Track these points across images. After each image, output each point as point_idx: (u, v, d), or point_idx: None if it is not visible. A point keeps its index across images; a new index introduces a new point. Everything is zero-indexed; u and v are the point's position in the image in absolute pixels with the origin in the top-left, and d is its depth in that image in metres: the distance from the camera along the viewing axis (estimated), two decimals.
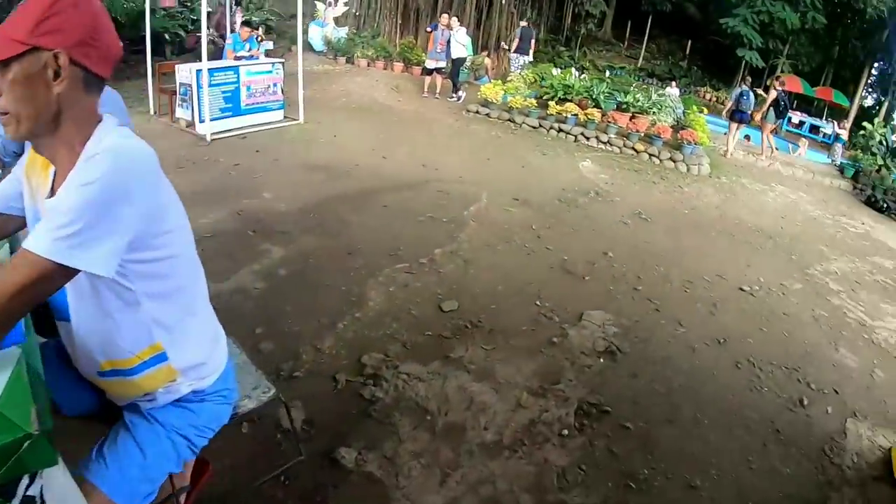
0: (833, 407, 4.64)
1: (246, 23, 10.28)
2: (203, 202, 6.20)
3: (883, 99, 27.15)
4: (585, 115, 11.76)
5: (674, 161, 10.95)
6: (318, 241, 5.71)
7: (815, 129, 21.39)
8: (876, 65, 26.11)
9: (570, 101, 12.60)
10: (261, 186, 6.96)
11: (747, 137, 15.34)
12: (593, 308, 5.22)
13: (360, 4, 18.49)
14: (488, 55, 18.77)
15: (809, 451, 4.03)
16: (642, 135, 11.36)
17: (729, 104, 13.28)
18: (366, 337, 4.27)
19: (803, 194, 12.01)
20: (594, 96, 12.56)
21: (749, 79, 13.56)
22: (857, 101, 24.60)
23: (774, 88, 13.14)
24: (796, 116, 21.71)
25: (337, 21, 16.93)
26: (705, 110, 15.94)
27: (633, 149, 11.20)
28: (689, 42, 27.76)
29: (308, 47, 16.37)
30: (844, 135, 17.19)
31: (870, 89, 28.58)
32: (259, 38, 14.91)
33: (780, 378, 4.82)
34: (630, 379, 4.34)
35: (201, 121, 8.68)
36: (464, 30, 13.93)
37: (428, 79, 13.78)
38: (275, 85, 9.89)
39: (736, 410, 4.25)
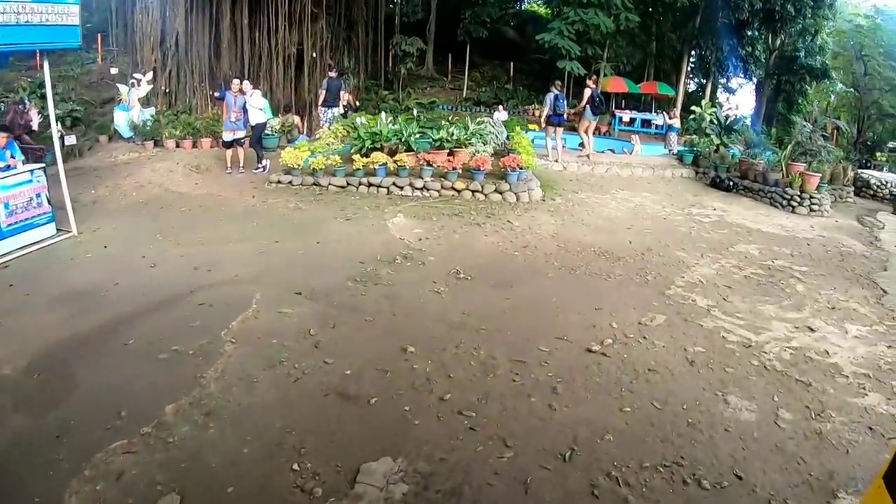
0: None
1: (3, 128, 8.15)
2: None
3: (704, 82, 28.43)
4: (395, 162, 10.33)
5: (500, 193, 9.73)
6: (26, 421, 3.87)
7: (646, 123, 21.62)
8: (693, 52, 27.23)
9: (381, 149, 11.19)
10: None
11: (582, 146, 14.69)
12: (377, 453, 3.51)
13: (169, 80, 16.76)
14: (298, 113, 17.31)
15: None
16: (461, 171, 10.05)
17: (545, 110, 12.59)
18: None
19: (647, 194, 11.23)
20: (403, 139, 11.20)
21: (559, 82, 12.84)
22: (681, 88, 25.45)
23: (588, 87, 12.65)
24: (626, 115, 21.95)
25: (144, 101, 14.86)
26: (535, 127, 15.23)
27: (454, 189, 9.91)
28: (512, 64, 27.85)
29: (118, 135, 14.40)
30: (677, 123, 17.14)
31: (691, 75, 29.88)
32: (60, 134, 12.75)
33: (659, 489, 3.33)
34: None
35: None
36: (258, 92, 12.33)
37: (229, 152, 12.00)
38: (38, 196, 7.88)
39: None
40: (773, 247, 8.58)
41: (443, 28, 26.98)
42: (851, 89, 25.79)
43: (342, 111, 15.48)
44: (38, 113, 13.15)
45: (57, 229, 8.10)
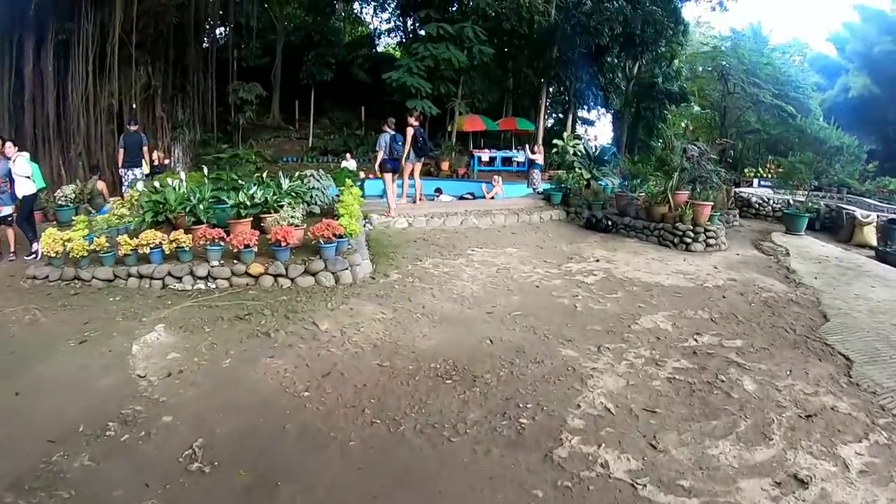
0: None
1: None
2: None
3: (563, 116, 27.62)
4: (171, 242, 7.21)
5: (312, 274, 6.86)
6: None
7: (507, 161, 20.14)
8: (552, 85, 26.41)
9: (170, 223, 8.10)
10: None
11: (438, 191, 12.32)
12: None
13: None
14: (101, 177, 14.14)
15: None
16: (257, 250, 7.09)
17: (380, 155, 10.22)
18: None
19: (513, 249, 8.78)
20: (189, 208, 8.13)
21: (392, 119, 10.37)
22: (541, 123, 24.26)
23: (410, 125, 10.60)
24: (485, 154, 20.28)
25: None
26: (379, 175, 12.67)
27: (248, 274, 6.88)
28: (363, 108, 25.56)
29: None
30: (539, 158, 15.24)
31: (549, 110, 29.09)
32: None
33: None
34: None
35: None
36: (25, 156, 8.98)
37: None
38: None
39: None
40: (687, 311, 6.28)
41: (291, 73, 24.48)
42: (708, 110, 25.87)
43: (147, 171, 12.50)
44: None
45: None
